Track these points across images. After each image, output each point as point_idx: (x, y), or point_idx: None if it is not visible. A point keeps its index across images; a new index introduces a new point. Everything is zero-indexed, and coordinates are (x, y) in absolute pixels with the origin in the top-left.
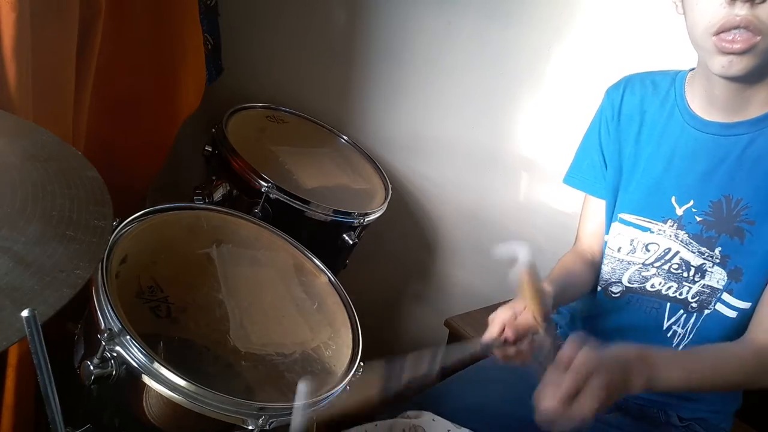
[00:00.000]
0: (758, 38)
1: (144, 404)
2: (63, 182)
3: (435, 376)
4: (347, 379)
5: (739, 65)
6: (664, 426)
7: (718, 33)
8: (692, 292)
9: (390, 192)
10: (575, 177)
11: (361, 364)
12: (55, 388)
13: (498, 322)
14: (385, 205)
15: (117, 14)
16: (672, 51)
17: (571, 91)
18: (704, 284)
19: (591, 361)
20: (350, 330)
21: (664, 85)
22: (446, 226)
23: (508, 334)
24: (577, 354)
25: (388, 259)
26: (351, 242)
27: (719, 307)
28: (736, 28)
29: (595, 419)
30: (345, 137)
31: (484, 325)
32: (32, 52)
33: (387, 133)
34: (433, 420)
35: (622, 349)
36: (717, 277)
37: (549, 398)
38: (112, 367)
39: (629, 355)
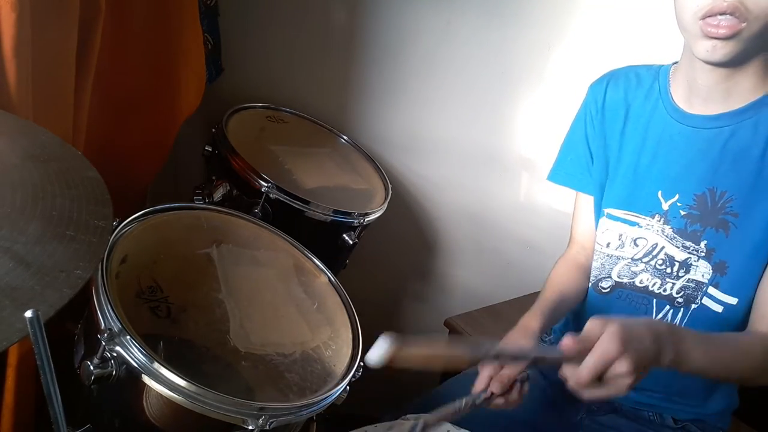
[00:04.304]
0: (743, 24)
1: (144, 404)
2: (63, 182)
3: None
4: (347, 379)
5: (723, 50)
6: (658, 427)
7: (704, 17)
8: (676, 287)
9: (390, 192)
10: (559, 173)
11: (361, 364)
12: (57, 389)
13: (485, 376)
14: (385, 205)
15: (117, 14)
16: (672, 48)
17: (571, 90)
18: (689, 279)
19: (614, 344)
20: (350, 330)
21: (647, 79)
22: (446, 226)
23: (495, 387)
24: (601, 335)
25: (388, 259)
26: (351, 242)
27: (706, 301)
28: (722, 13)
29: (590, 420)
30: (345, 137)
31: (484, 325)
32: (32, 52)
33: (387, 132)
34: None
35: (652, 323)
36: (702, 270)
37: (573, 379)
38: (112, 367)
39: (660, 328)
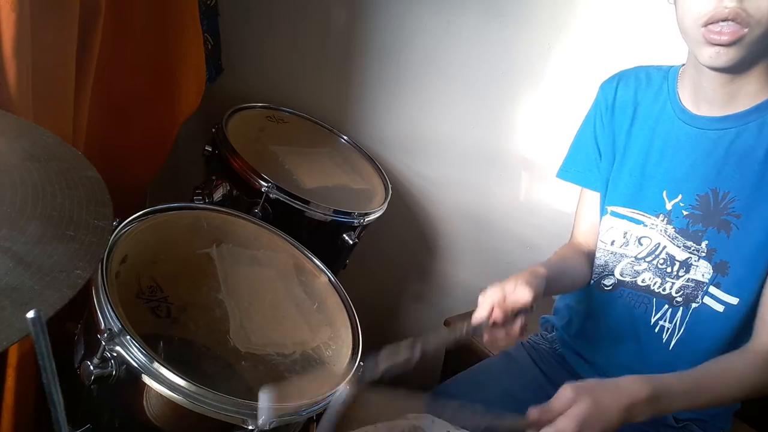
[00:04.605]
0: (745, 30)
1: (144, 404)
2: (63, 182)
3: (415, 361)
4: (347, 379)
5: (726, 56)
6: (659, 426)
7: (706, 24)
8: (676, 287)
9: (390, 192)
10: (569, 170)
11: (361, 364)
12: (59, 389)
13: (487, 303)
14: (385, 205)
15: (117, 14)
16: (673, 48)
17: (572, 90)
18: (689, 278)
19: (573, 424)
20: (350, 330)
21: (657, 79)
22: (446, 226)
23: (497, 315)
24: (568, 410)
25: (388, 259)
26: (351, 242)
27: (707, 300)
28: (724, 20)
29: None
30: (345, 137)
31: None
32: (32, 52)
33: (387, 132)
34: (433, 421)
35: (632, 390)
36: (702, 270)
37: None
38: (112, 367)
39: (639, 397)
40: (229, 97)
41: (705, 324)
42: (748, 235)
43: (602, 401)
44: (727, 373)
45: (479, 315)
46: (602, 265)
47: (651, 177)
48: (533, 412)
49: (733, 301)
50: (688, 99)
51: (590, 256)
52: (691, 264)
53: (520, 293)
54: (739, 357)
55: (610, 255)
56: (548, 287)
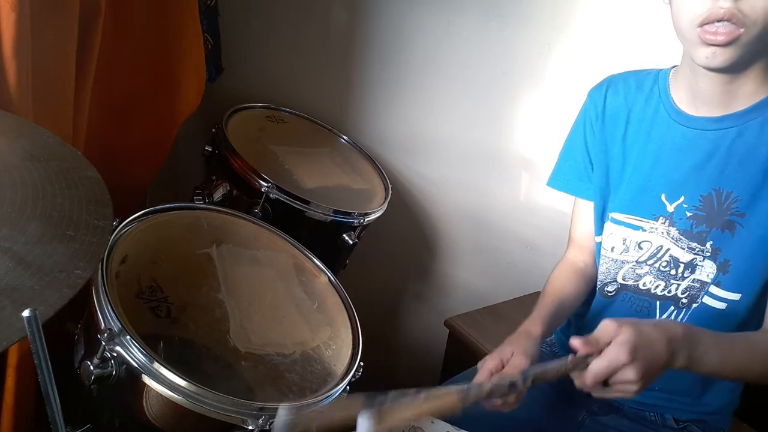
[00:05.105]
0: (741, 30)
1: (144, 404)
2: (63, 182)
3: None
4: (347, 379)
5: (722, 57)
6: (660, 428)
7: (702, 25)
8: (681, 288)
9: (390, 192)
10: (558, 179)
11: (361, 364)
12: (56, 388)
13: (484, 373)
14: (385, 205)
15: (117, 14)
16: (673, 49)
17: (572, 91)
18: (694, 279)
19: (624, 352)
20: (350, 330)
21: (647, 83)
22: (446, 226)
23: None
24: (613, 340)
25: (388, 259)
26: (351, 242)
27: (706, 299)
28: (719, 20)
29: (591, 420)
30: (345, 137)
31: (484, 326)
32: (32, 52)
33: (387, 132)
34: (432, 422)
35: (668, 326)
36: (707, 270)
37: (579, 381)
38: (112, 367)
39: (676, 332)
40: (229, 97)
41: (706, 323)
42: (751, 232)
43: (646, 332)
44: (751, 347)
45: (478, 382)
46: (605, 272)
47: (648, 181)
48: (576, 342)
49: (735, 297)
50: (683, 100)
51: (587, 267)
52: (696, 264)
53: (517, 362)
54: (761, 336)
55: (611, 262)
56: (547, 332)
